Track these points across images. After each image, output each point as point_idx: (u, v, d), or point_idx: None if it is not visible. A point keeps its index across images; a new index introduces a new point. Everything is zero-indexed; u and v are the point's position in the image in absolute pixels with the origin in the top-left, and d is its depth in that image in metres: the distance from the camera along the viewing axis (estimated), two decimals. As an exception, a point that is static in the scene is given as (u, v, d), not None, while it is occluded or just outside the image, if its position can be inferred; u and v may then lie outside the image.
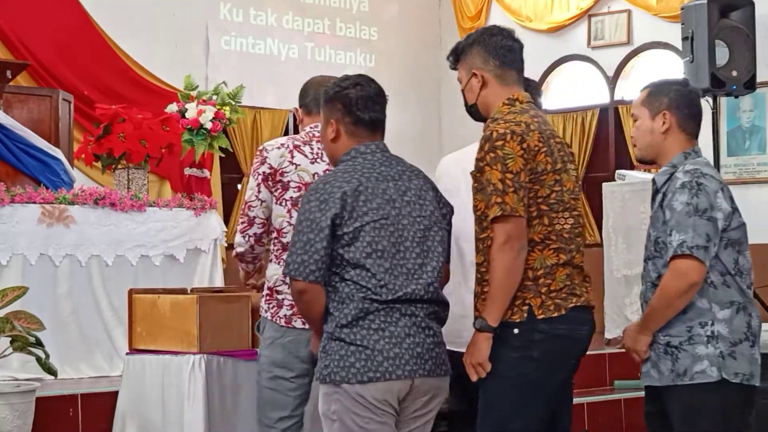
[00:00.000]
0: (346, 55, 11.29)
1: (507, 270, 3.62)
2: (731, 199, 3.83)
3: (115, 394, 5.39)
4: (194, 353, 4.90)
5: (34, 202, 6.45)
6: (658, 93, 4.01)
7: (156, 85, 9.75)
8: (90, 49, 9.46)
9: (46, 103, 7.48)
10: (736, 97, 9.22)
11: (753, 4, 8.76)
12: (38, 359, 5.11)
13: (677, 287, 3.73)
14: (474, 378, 3.69)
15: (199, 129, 8.16)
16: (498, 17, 11.54)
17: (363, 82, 3.89)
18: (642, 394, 7.46)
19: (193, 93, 8.36)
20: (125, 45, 9.70)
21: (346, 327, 3.67)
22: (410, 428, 3.79)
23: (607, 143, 10.77)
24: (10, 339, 5.08)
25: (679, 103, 3.95)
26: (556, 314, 3.68)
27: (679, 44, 9.04)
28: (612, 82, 10.88)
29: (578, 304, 3.73)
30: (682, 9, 8.93)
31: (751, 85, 8.84)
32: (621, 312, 7.90)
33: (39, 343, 5.14)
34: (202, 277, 7.06)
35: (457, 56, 3.96)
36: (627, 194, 7.84)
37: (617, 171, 8.64)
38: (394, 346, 3.66)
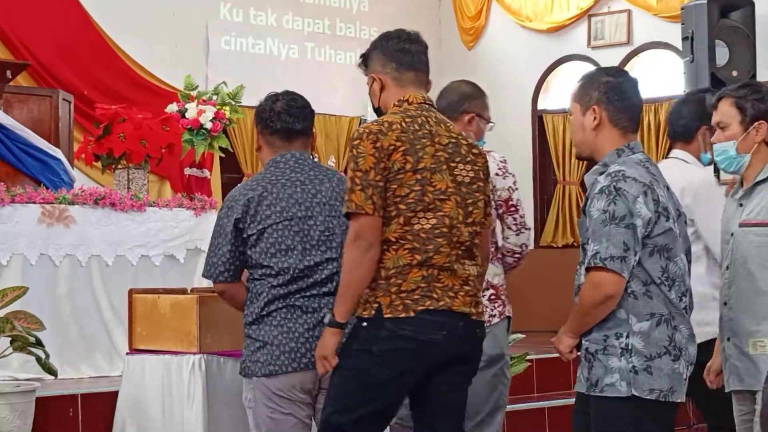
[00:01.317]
0: (346, 55, 11.28)
1: (353, 267, 3.67)
2: (657, 202, 3.59)
3: (115, 394, 5.38)
4: (194, 353, 4.90)
5: (34, 202, 6.45)
6: (587, 87, 3.77)
7: (156, 85, 9.76)
8: (90, 49, 9.46)
9: (46, 103, 7.48)
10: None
11: (753, 4, 8.77)
12: (38, 359, 5.11)
13: (592, 298, 3.59)
14: (321, 371, 3.83)
15: (199, 129, 8.16)
16: (498, 17, 11.55)
17: (281, 97, 4.27)
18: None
19: (193, 93, 8.36)
20: (125, 45, 9.70)
21: (252, 324, 4.11)
22: None
23: (607, 143, 10.76)
24: (10, 339, 5.08)
25: (609, 96, 3.72)
26: (403, 315, 3.66)
27: (679, 44, 9.05)
28: (612, 82, 10.88)
29: (432, 307, 3.67)
30: (682, 9, 8.94)
31: (751, 85, 8.83)
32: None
33: (39, 343, 5.14)
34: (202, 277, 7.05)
35: (364, 62, 3.98)
36: (627, 194, 7.83)
37: (617, 171, 8.64)
38: (290, 340, 4.01)
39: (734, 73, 8.56)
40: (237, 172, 10.40)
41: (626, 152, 3.69)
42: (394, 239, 3.68)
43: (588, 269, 3.58)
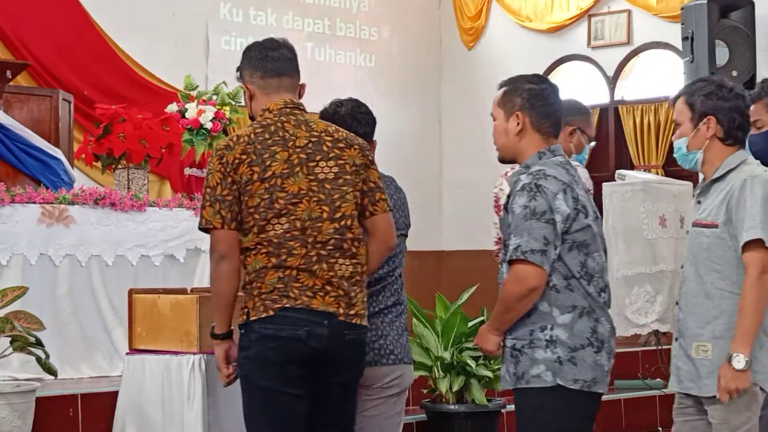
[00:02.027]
0: (346, 55, 11.29)
1: (213, 278, 3.88)
2: (576, 200, 3.70)
3: (115, 394, 5.38)
4: (194, 353, 4.90)
5: (34, 202, 6.44)
6: (511, 93, 3.89)
7: (156, 85, 9.76)
8: (90, 49, 9.46)
9: (46, 103, 7.48)
10: (736, 97, 9.21)
11: (753, 4, 8.77)
12: (38, 359, 5.11)
13: (515, 292, 3.68)
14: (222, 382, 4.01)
15: (199, 129, 8.16)
16: (498, 17, 11.55)
17: (345, 102, 4.30)
18: (643, 394, 7.49)
19: (193, 93, 8.36)
20: (125, 45, 9.71)
21: None
22: None
23: (607, 143, 10.77)
24: (10, 339, 5.08)
25: (532, 103, 3.84)
26: (264, 315, 3.77)
27: (679, 44, 9.05)
28: (612, 82, 10.89)
29: (288, 305, 3.76)
30: (682, 9, 8.94)
31: (751, 85, 8.83)
32: (621, 312, 7.89)
33: (39, 343, 5.14)
34: (202, 277, 7.04)
35: (239, 74, 4.17)
36: (627, 194, 7.84)
37: (617, 171, 8.64)
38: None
39: (734, 73, 8.56)
40: (237, 172, 10.41)
41: (547, 155, 3.81)
42: (252, 246, 3.82)
43: (510, 263, 3.69)
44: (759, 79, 8.86)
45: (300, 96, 4.06)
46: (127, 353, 5.28)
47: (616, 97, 10.87)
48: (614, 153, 10.80)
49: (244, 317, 3.83)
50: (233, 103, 8.40)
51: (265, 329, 3.78)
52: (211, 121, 8.16)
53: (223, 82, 8.64)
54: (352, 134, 4.03)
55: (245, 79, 4.08)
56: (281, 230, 3.78)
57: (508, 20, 11.45)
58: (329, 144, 3.91)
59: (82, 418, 5.65)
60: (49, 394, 5.59)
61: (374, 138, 4.42)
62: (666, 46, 10.35)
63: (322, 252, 3.81)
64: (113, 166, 7.28)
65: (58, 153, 7.06)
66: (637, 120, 10.69)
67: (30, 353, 5.15)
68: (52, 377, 5.22)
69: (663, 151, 10.54)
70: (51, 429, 5.52)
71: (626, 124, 10.79)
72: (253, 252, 3.81)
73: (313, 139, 3.89)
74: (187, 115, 8.15)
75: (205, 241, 7.14)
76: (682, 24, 8.73)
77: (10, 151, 6.77)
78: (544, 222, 3.65)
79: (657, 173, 10.21)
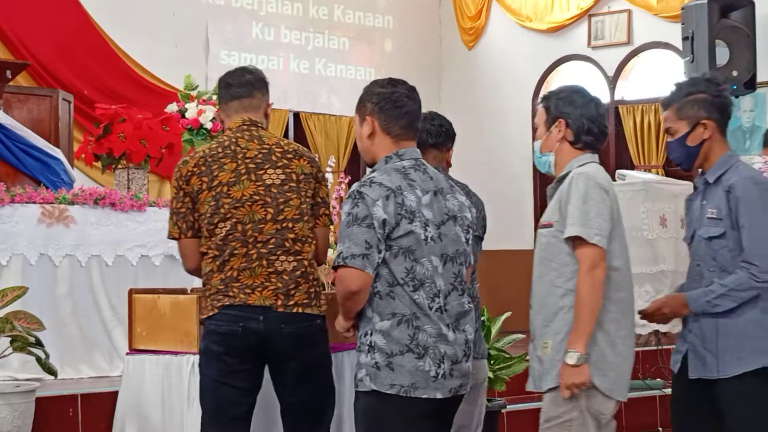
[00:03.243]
0: (346, 55, 11.29)
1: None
2: (400, 206, 3.74)
3: (115, 394, 5.38)
4: (194, 353, 4.88)
5: (34, 202, 6.44)
6: (363, 98, 3.98)
7: (156, 85, 9.76)
8: (90, 49, 9.46)
9: (46, 103, 7.48)
10: (737, 96, 9.22)
11: (753, 4, 8.77)
12: (38, 359, 5.10)
13: (339, 294, 3.79)
14: None
15: (199, 129, 8.15)
16: (498, 17, 11.55)
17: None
18: (643, 394, 7.48)
19: (193, 93, 8.36)
20: (125, 45, 9.71)
21: None
22: None
23: (607, 143, 10.75)
24: (10, 339, 5.07)
25: (381, 107, 3.91)
26: (211, 313, 4.18)
27: (679, 44, 9.05)
28: (612, 81, 10.89)
29: (228, 303, 4.13)
30: (682, 9, 8.94)
31: (751, 84, 8.85)
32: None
33: (39, 343, 5.13)
34: (202, 277, 7.05)
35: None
36: (627, 194, 7.85)
37: (617, 171, 8.65)
38: None
39: (734, 73, 8.56)
40: (237, 172, 10.41)
41: (393, 159, 3.89)
42: (205, 251, 4.22)
43: (334, 268, 3.82)
44: (759, 79, 8.88)
45: (266, 114, 4.45)
46: (127, 353, 5.27)
47: (617, 97, 10.87)
48: (614, 153, 10.80)
49: (202, 316, 4.28)
50: (233, 103, 8.38)
51: (210, 325, 4.19)
52: (211, 120, 8.16)
53: (223, 82, 8.63)
54: (304, 147, 4.39)
55: (219, 108, 4.50)
56: (223, 233, 4.16)
57: (508, 20, 11.45)
58: (278, 154, 4.26)
59: (82, 418, 5.65)
60: (49, 394, 5.59)
61: (449, 146, 4.84)
62: (666, 46, 10.35)
63: (263, 250, 4.16)
64: (113, 166, 7.28)
65: (58, 153, 7.06)
66: (638, 120, 10.70)
67: (30, 353, 5.15)
68: (52, 377, 5.21)
69: (663, 151, 10.54)
70: (51, 429, 5.51)
71: (626, 124, 10.79)
72: (205, 256, 4.23)
73: (264, 150, 4.26)
74: (187, 115, 8.15)
75: (205, 241, 7.16)
76: (683, 24, 8.73)
77: (10, 151, 6.76)
78: (366, 227, 3.72)
79: (657, 173, 10.22)
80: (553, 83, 11.22)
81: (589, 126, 3.99)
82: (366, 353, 3.79)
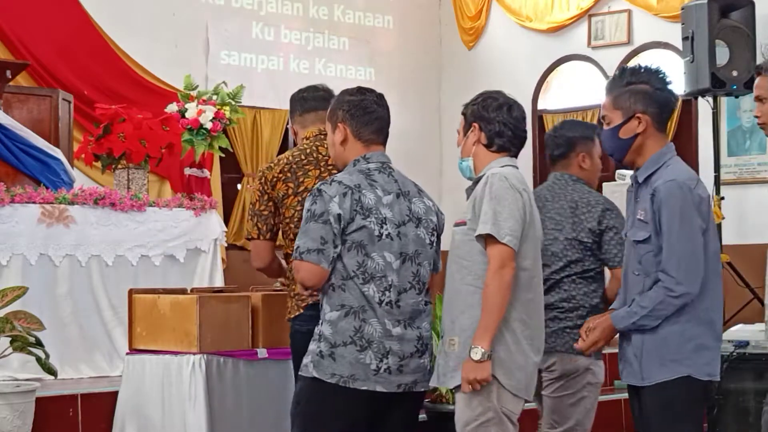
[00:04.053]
0: (346, 55, 11.29)
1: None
2: (357, 202, 3.91)
3: (115, 394, 5.38)
4: (194, 353, 4.89)
5: (34, 202, 6.45)
6: (335, 107, 4.15)
7: (156, 85, 9.75)
8: (90, 49, 9.46)
9: (46, 103, 7.48)
10: (737, 96, 9.22)
11: (753, 4, 8.76)
12: (38, 359, 5.11)
13: (299, 284, 4.03)
14: None
15: (199, 129, 8.15)
16: (498, 17, 11.55)
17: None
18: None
19: (193, 93, 8.35)
20: (125, 45, 9.70)
21: None
22: None
23: (607, 143, 10.77)
24: (10, 339, 5.08)
25: (352, 114, 4.08)
26: (296, 313, 4.38)
27: (679, 44, 9.04)
28: (612, 82, 10.87)
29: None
30: (682, 9, 8.93)
31: (751, 84, 8.75)
32: (621, 312, 7.89)
33: (39, 343, 5.14)
34: (202, 277, 7.06)
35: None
36: (627, 194, 7.82)
37: (617, 171, 8.64)
38: None
39: (734, 73, 8.56)
40: (237, 172, 10.41)
41: (360, 162, 4.06)
42: (290, 252, 4.24)
43: (292, 261, 4.03)
44: (759, 79, 8.87)
45: None
46: (127, 353, 5.27)
47: (617, 97, 10.86)
48: (614, 153, 10.81)
49: (288, 315, 4.44)
50: (233, 103, 8.39)
51: (295, 325, 4.36)
52: (211, 121, 8.16)
53: (223, 82, 8.64)
54: None
55: (293, 120, 4.77)
56: None
57: (508, 20, 11.44)
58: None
59: (82, 418, 5.65)
60: (49, 394, 5.59)
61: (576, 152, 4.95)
62: (666, 46, 10.35)
63: None
64: (113, 166, 7.28)
65: (58, 153, 7.06)
66: (638, 120, 10.69)
67: (30, 353, 5.15)
68: (52, 377, 5.22)
69: (663, 151, 10.53)
70: (51, 429, 5.52)
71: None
72: (288, 257, 4.37)
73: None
74: (187, 115, 8.15)
75: (204, 241, 7.17)
76: (683, 24, 8.72)
77: (10, 151, 6.77)
78: (321, 223, 3.91)
79: (657, 173, 10.20)
80: (553, 83, 11.23)
81: (501, 129, 4.03)
82: (315, 341, 3.96)
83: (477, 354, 3.78)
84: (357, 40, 11.36)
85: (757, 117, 4.24)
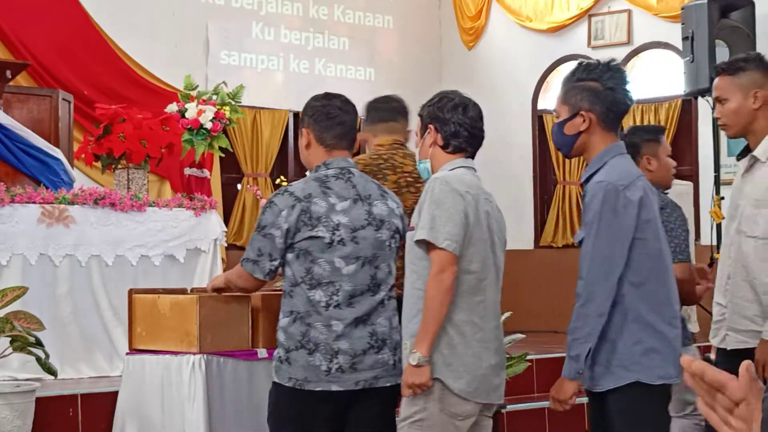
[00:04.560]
0: (346, 55, 11.29)
1: None
2: (304, 213, 4.00)
3: (115, 394, 5.38)
4: (194, 353, 4.89)
5: (34, 202, 6.44)
6: (302, 113, 4.26)
7: (156, 85, 9.75)
8: (90, 49, 9.46)
9: (46, 103, 7.48)
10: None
11: (753, 4, 8.77)
12: (38, 359, 5.11)
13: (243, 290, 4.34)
14: None
15: (199, 129, 8.15)
16: (498, 17, 11.55)
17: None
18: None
19: (193, 93, 8.36)
20: (125, 45, 9.70)
21: None
22: None
23: (607, 143, 10.77)
24: (10, 339, 5.08)
25: (315, 119, 4.18)
26: None
27: (679, 44, 9.05)
28: (612, 82, 10.87)
29: None
30: (682, 9, 8.94)
31: (751, 85, 8.81)
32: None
33: (39, 343, 5.14)
34: (202, 277, 7.05)
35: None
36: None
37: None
38: None
39: (734, 73, 8.55)
40: (237, 172, 10.41)
41: (321, 168, 4.16)
42: None
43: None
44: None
45: (406, 138, 5.01)
46: (127, 353, 5.27)
47: (616, 97, 10.86)
48: (614, 153, 10.81)
49: None
50: (233, 103, 8.39)
51: None
52: (211, 121, 8.16)
53: (223, 82, 8.64)
54: None
55: (364, 125, 5.05)
56: None
57: (508, 20, 11.45)
58: None
59: (82, 418, 5.65)
60: (49, 394, 5.59)
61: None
62: (666, 46, 10.35)
63: None
64: (113, 166, 7.28)
65: (58, 153, 7.06)
66: (638, 120, 10.69)
67: (30, 353, 5.15)
68: (52, 377, 5.22)
69: (663, 151, 10.53)
70: (51, 429, 5.52)
71: (626, 124, 10.78)
72: None
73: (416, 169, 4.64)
74: (187, 115, 8.15)
75: (204, 241, 7.16)
76: (682, 24, 8.73)
77: (10, 151, 6.77)
78: (262, 236, 4.08)
79: (657, 173, 10.21)
80: (553, 83, 11.23)
81: (457, 129, 4.01)
82: (277, 348, 4.14)
83: (414, 359, 3.82)
84: (357, 40, 11.36)
85: (717, 118, 4.21)
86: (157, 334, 5.05)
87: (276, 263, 4.10)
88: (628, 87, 3.91)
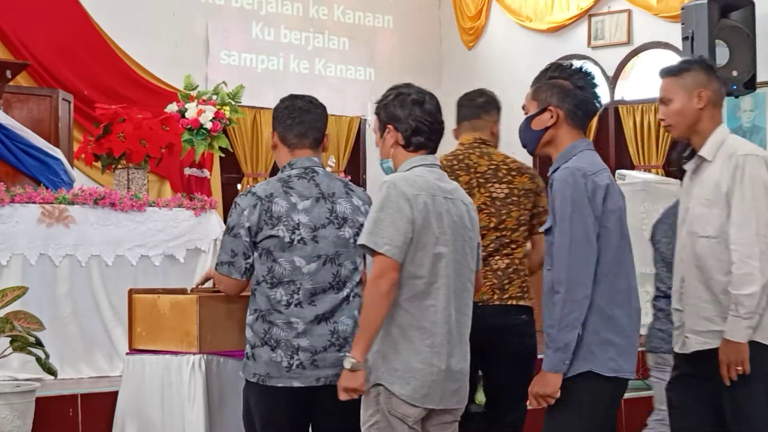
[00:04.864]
0: (347, 55, 11.29)
1: None
2: (266, 212, 4.12)
3: (115, 394, 5.37)
4: (194, 353, 4.89)
5: (34, 202, 6.44)
6: (273, 113, 4.36)
7: (156, 85, 9.76)
8: (90, 49, 9.46)
9: (46, 103, 7.48)
10: (737, 96, 9.23)
11: (753, 4, 8.77)
12: (38, 359, 5.10)
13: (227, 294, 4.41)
14: None
15: (199, 129, 8.15)
16: (498, 17, 11.55)
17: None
18: (643, 394, 7.47)
19: (193, 93, 8.35)
20: (125, 45, 9.71)
21: None
22: None
23: (607, 143, 10.77)
24: (10, 339, 5.07)
25: (279, 119, 4.30)
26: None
27: (679, 44, 9.05)
28: (612, 81, 10.88)
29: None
30: (682, 9, 8.94)
31: (751, 84, 8.85)
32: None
33: (39, 343, 5.13)
34: (202, 276, 7.05)
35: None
36: (627, 194, 7.80)
37: (617, 171, 8.65)
38: None
39: (734, 73, 8.56)
40: (237, 172, 10.41)
41: (285, 169, 4.26)
42: None
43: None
44: (759, 79, 8.88)
45: (492, 133, 4.99)
46: (127, 353, 5.27)
47: (616, 97, 10.87)
48: (614, 153, 10.79)
49: None
50: (233, 103, 8.39)
51: None
52: (211, 121, 8.16)
53: (223, 82, 8.64)
54: (526, 165, 4.93)
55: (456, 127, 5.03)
56: None
57: (508, 20, 11.45)
58: (504, 171, 4.84)
59: (82, 418, 5.65)
60: (49, 394, 5.59)
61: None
62: (666, 46, 10.35)
63: (483, 253, 4.43)
64: (113, 166, 7.27)
65: (58, 153, 7.05)
66: (637, 120, 10.69)
67: (30, 353, 5.15)
68: (52, 377, 5.21)
69: (663, 151, 10.54)
70: (51, 429, 5.51)
71: (626, 124, 10.79)
72: None
73: (492, 167, 4.83)
74: (187, 115, 8.15)
75: (204, 241, 7.16)
76: (682, 24, 8.73)
77: (10, 151, 6.76)
78: (232, 236, 4.20)
79: (657, 173, 10.21)
80: (553, 83, 11.22)
81: (417, 126, 3.94)
82: (245, 345, 4.27)
83: (348, 363, 3.79)
84: (357, 40, 11.36)
85: (662, 120, 4.18)
86: (157, 334, 5.05)
87: (250, 261, 4.20)
88: (597, 91, 3.89)
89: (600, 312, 3.68)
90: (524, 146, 3.93)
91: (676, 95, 4.09)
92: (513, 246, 4.81)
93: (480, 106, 5.04)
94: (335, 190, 4.22)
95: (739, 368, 3.89)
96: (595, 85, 3.88)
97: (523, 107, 3.93)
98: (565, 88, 3.82)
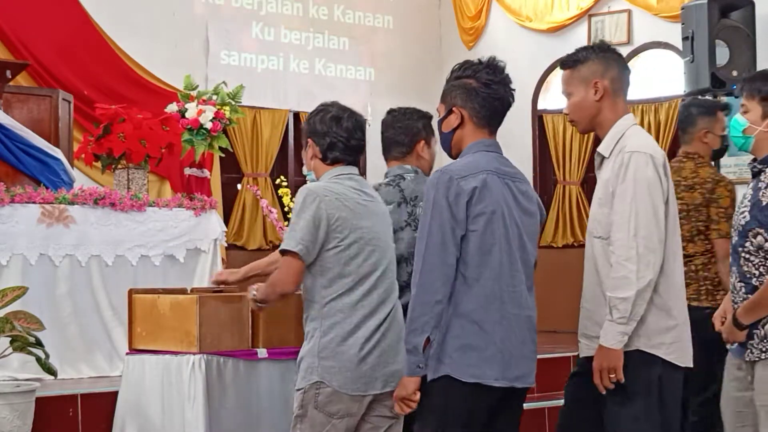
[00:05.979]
0: (346, 55, 11.29)
1: None
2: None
3: (115, 394, 5.38)
4: (194, 353, 4.89)
5: (34, 202, 6.44)
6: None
7: (156, 85, 9.75)
8: (90, 49, 9.46)
9: (46, 103, 7.48)
10: (737, 96, 9.19)
11: (753, 4, 8.76)
12: (38, 359, 5.11)
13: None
14: None
15: (199, 129, 8.15)
16: (498, 17, 11.55)
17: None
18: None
19: (193, 93, 8.35)
20: (125, 45, 9.70)
21: None
22: None
23: (607, 143, 10.76)
24: (10, 339, 5.08)
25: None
26: None
27: (679, 44, 9.04)
28: (612, 82, 10.87)
29: None
30: (682, 9, 8.93)
31: (751, 84, 8.80)
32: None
33: (39, 343, 5.14)
34: (202, 277, 7.05)
35: None
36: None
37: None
38: None
39: (734, 73, 8.55)
40: (237, 172, 10.40)
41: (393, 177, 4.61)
42: None
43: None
44: (759, 79, 8.85)
45: (704, 141, 5.67)
46: (127, 353, 5.27)
47: (616, 97, 10.86)
48: (614, 153, 10.80)
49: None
50: (233, 103, 8.39)
51: None
52: (211, 121, 8.16)
53: (223, 82, 8.64)
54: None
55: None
56: None
57: (508, 20, 11.44)
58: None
59: (82, 418, 5.65)
60: (49, 394, 5.59)
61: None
62: (666, 46, 10.35)
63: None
64: (113, 166, 7.28)
65: (58, 153, 7.06)
66: (637, 120, 10.68)
67: (30, 353, 5.15)
68: (52, 377, 5.22)
69: (666, 149, 10.54)
70: (51, 429, 5.52)
71: (626, 124, 10.79)
72: None
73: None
74: (187, 115, 8.15)
75: (204, 241, 7.16)
76: (682, 24, 8.72)
77: (10, 151, 6.77)
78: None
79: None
80: (553, 83, 11.22)
81: (333, 141, 4.15)
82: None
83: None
84: (357, 40, 11.35)
85: (566, 114, 4.12)
86: (157, 334, 5.06)
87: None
88: (508, 84, 3.93)
89: (464, 317, 3.64)
90: (444, 149, 3.94)
91: (575, 88, 4.05)
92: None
93: (689, 120, 5.45)
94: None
95: (612, 375, 3.73)
96: (505, 80, 3.91)
97: (436, 110, 4.01)
98: (468, 87, 3.84)
